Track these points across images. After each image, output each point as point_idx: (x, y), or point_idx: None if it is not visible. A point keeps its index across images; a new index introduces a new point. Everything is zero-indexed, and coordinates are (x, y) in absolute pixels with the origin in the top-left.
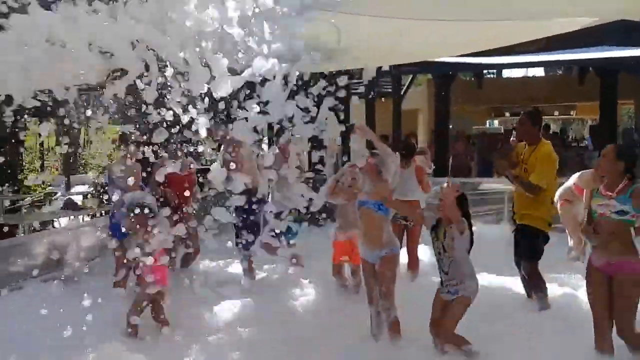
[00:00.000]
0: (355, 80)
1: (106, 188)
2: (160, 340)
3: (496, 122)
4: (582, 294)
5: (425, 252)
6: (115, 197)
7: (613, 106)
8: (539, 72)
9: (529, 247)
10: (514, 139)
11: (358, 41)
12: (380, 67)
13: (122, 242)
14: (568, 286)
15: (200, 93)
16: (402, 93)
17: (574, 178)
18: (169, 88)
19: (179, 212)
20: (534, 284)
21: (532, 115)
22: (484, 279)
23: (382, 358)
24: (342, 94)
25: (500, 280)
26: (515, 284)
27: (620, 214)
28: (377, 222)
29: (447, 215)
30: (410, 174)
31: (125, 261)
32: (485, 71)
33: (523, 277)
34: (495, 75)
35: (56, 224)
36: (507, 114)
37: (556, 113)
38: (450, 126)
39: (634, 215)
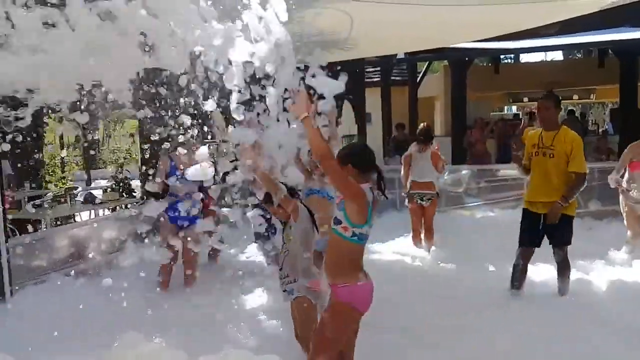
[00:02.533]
0: (371, 68)
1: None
2: (183, 331)
3: (514, 107)
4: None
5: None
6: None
7: (633, 89)
8: (558, 55)
9: (563, 234)
10: (525, 124)
11: (372, 29)
12: (396, 55)
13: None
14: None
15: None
16: (418, 80)
17: (623, 157)
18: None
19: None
20: (566, 267)
21: (555, 100)
22: (500, 265)
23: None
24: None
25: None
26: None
27: None
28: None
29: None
30: (427, 158)
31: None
32: (502, 56)
33: (518, 265)
34: (512, 61)
35: (77, 218)
36: (525, 99)
37: (575, 97)
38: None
39: None
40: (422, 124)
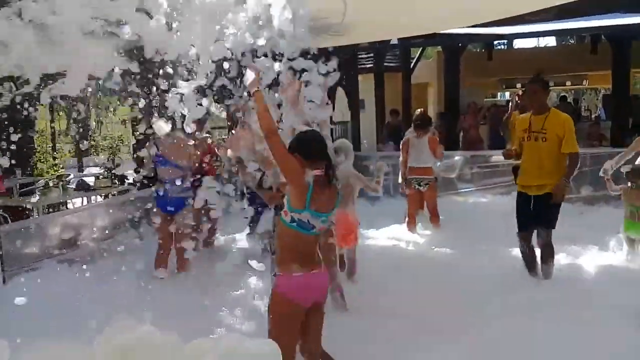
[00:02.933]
0: (364, 54)
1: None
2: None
3: (507, 93)
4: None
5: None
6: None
7: (626, 75)
8: (551, 42)
9: (552, 216)
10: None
11: (365, 14)
12: (389, 41)
13: (173, 217)
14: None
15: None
16: (411, 67)
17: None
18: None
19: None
20: (549, 252)
21: (544, 83)
22: (494, 250)
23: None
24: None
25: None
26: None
27: None
28: None
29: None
30: (424, 144)
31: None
32: (495, 42)
33: (525, 250)
34: (505, 47)
35: (69, 205)
36: (519, 85)
37: (568, 83)
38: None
39: None
40: (418, 110)
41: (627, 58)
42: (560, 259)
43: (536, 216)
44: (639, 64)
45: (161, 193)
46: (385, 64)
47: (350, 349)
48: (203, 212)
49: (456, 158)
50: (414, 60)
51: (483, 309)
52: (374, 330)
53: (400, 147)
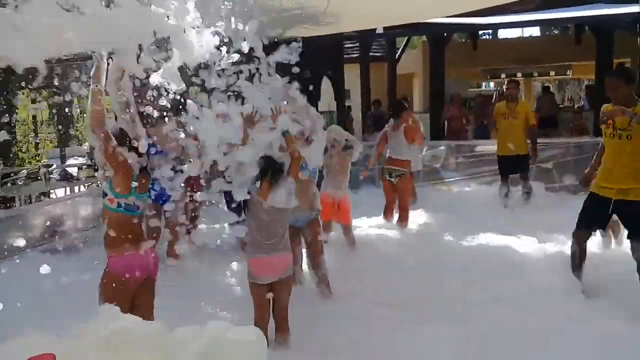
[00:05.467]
0: (350, 44)
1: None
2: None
3: (492, 83)
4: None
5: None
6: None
7: (609, 65)
8: (535, 32)
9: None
10: (497, 100)
11: (348, 3)
12: (374, 30)
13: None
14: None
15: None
16: (397, 57)
17: None
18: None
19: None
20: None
21: (626, 74)
22: (479, 239)
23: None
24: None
25: (497, 241)
26: (509, 245)
27: None
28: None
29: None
30: (400, 134)
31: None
32: (480, 32)
33: (575, 253)
34: (490, 36)
35: (52, 195)
36: (503, 76)
37: (552, 73)
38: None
39: None
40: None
41: (611, 48)
42: (547, 248)
43: (599, 221)
44: (623, 55)
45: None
46: (371, 53)
47: (337, 335)
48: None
49: (440, 148)
50: (399, 51)
51: (469, 298)
52: (359, 318)
53: (378, 138)
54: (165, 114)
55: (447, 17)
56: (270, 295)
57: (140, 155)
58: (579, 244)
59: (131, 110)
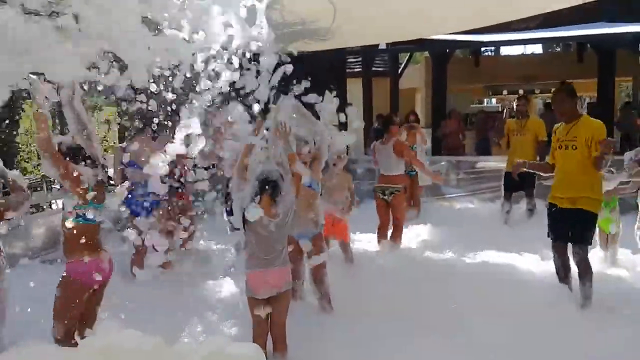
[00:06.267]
0: (353, 59)
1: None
2: (158, 318)
3: (494, 100)
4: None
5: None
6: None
7: (611, 83)
8: (537, 49)
9: (586, 233)
10: (507, 117)
11: (353, 19)
12: (377, 45)
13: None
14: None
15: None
16: (399, 72)
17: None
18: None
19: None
20: (585, 270)
21: (569, 90)
22: (480, 255)
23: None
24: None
25: (498, 257)
26: (512, 260)
27: None
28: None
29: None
30: (388, 150)
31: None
32: (482, 49)
33: (561, 260)
34: (492, 53)
35: (53, 206)
36: (505, 92)
37: (554, 90)
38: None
39: None
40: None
41: (612, 67)
42: (549, 264)
43: (561, 230)
44: (624, 73)
45: (133, 201)
46: (374, 68)
47: (337, 351)
48: (180, 212)
49: (442, 163)
50: (402, 66)
51: (470, 313)
52: (363, 333)
53: (371, 155)
54: (142, 127)
55: (449, 33)
56: (268, 309)
57: (95, 167)
58: (557, 255)
59: (88, 128)
